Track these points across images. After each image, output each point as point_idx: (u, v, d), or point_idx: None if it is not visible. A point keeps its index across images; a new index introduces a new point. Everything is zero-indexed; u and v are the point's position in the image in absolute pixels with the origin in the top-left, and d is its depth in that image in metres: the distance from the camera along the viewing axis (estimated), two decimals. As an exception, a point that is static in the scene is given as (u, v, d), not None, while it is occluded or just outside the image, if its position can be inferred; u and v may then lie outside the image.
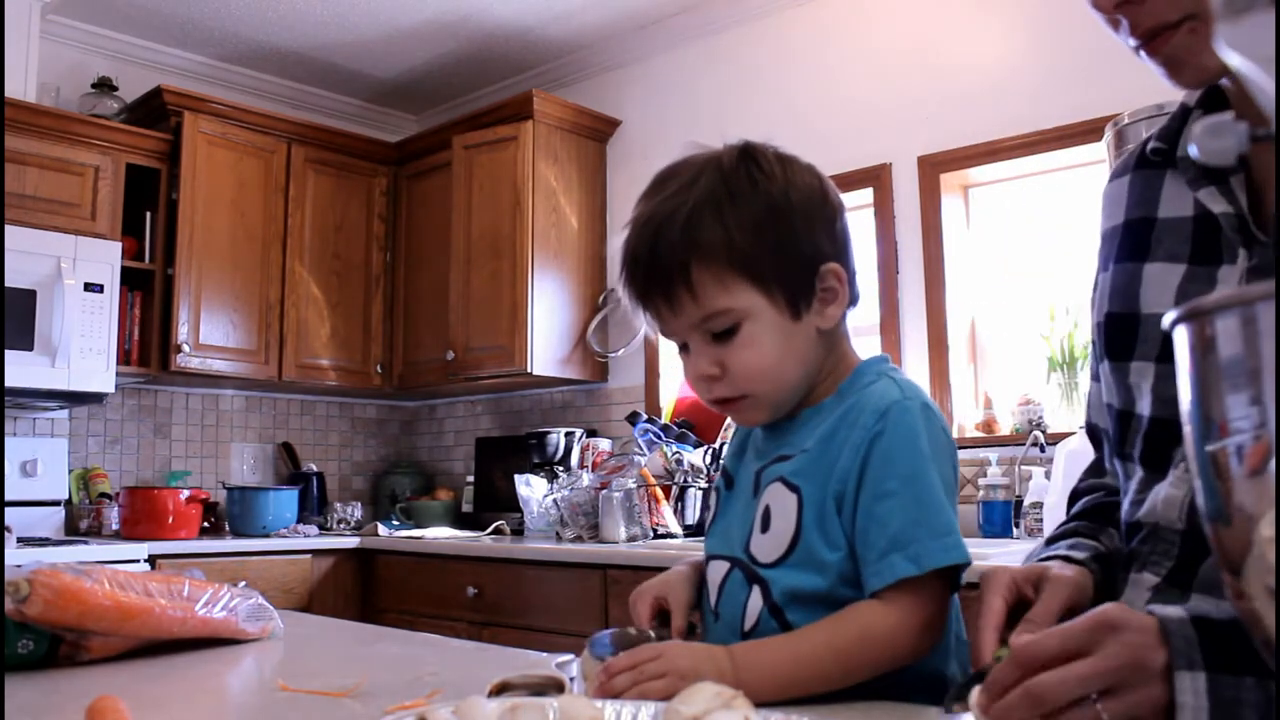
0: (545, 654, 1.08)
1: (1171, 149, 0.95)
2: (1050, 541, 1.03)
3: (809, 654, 0.88)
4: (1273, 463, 0.41)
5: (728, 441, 1.15)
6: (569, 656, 1.00)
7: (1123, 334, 0.96)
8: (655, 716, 0.70)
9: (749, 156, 0.98)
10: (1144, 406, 0.93)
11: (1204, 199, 0.90)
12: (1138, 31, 0.84)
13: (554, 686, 0.85)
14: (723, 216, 0.94)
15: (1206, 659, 0.63)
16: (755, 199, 0.95)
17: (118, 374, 3.48)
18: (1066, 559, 0.95)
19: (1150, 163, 0.99)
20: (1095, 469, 1.13)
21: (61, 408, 3.70)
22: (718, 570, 1.02)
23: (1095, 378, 1.06)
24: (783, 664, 0.87)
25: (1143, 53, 0.86)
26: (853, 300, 1.01)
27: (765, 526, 0.98)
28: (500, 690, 0.87)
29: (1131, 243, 0.98)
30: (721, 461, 1.15)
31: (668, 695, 0.77)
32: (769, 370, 0.96)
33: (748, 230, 0.94)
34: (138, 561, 3.08)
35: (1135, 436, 0.95)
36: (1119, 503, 1.00)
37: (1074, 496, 1.13)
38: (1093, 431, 1.12)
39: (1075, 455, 2.39)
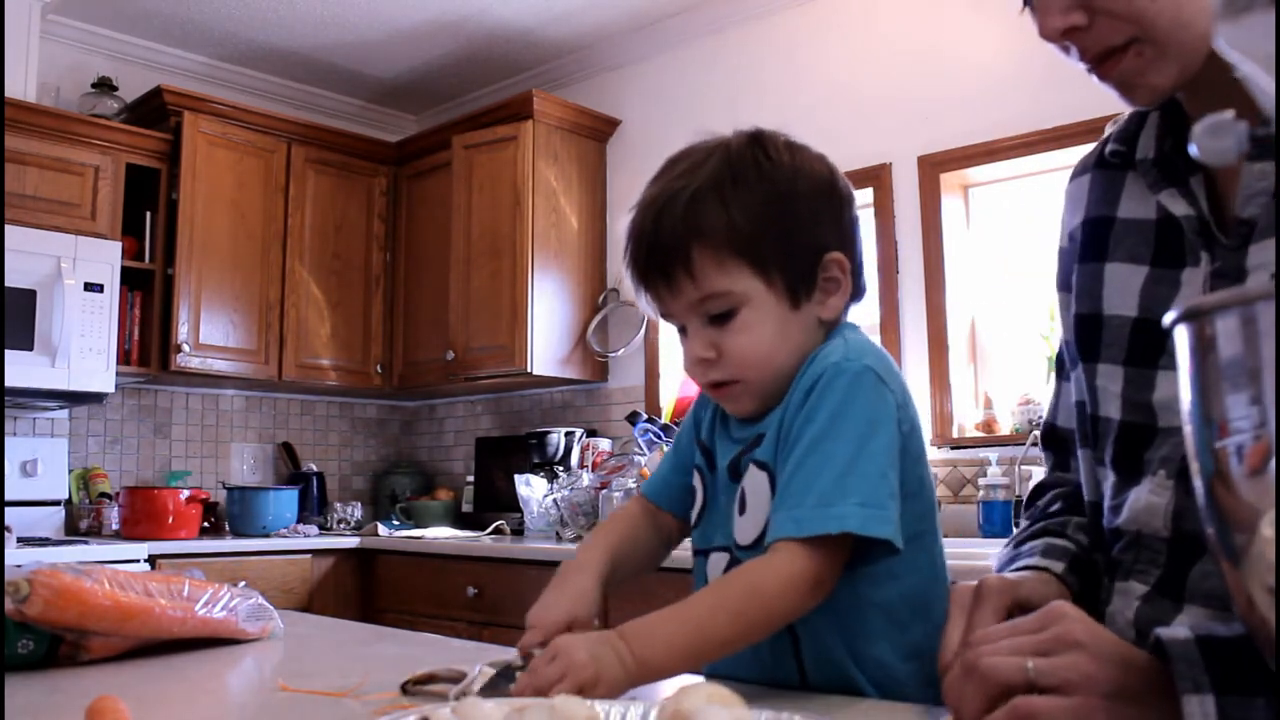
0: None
1: (1130, 150, 0.95)
2: (1021, 542, 1.01)
3: (703, 620, 0.87)
4: (1273, 463, 0.41)
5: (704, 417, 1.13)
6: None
7: (1088, 335, 0.96)
8: (646, 714, 0.70)
9: (757, 142, 0.98)
10: (1113, 410, 0.93)
11: (1165, 201, 0.90)
12: (1086, 56, 0.85)
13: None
14: (725, 200, 0.94)
15: (1214, 681, 0.62)
16: (760, 184, 0.95)
17: (118, 374, 3.48)
18: (1045, 570, 0.93)
19: (1110, 164, 0.99)
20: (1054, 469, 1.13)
21: (61, 408, 3.70)
22: (719, 562, 1.01)
23: (1064, 377, 1.05)
24: (678, 634, 0.86)
25: (1094, 76, 0.87)
26: (858, 293, 1.01)
27: (743, 509, 0.98)
28: (424, 681, 0.89)
29: (1092, 242, 0.98)
30: (700, 439, 1.11)
31: (579, 692, 0.77)
32: (763, 357, 0.96)
33: (750, 215, 0.94)
34: (138, 561, 3.09)
35: (1105, 441, 0.94)
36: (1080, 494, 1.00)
37: (1040, 489, 1.12)
38: (1050, 435, 1.10)
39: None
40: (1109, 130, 1.00)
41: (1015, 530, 1.07)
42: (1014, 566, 0.96)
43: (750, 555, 0.96)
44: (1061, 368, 1.07)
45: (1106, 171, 0.99)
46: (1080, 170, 1.04)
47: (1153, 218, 0.92)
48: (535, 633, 0.93)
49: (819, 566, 0.88)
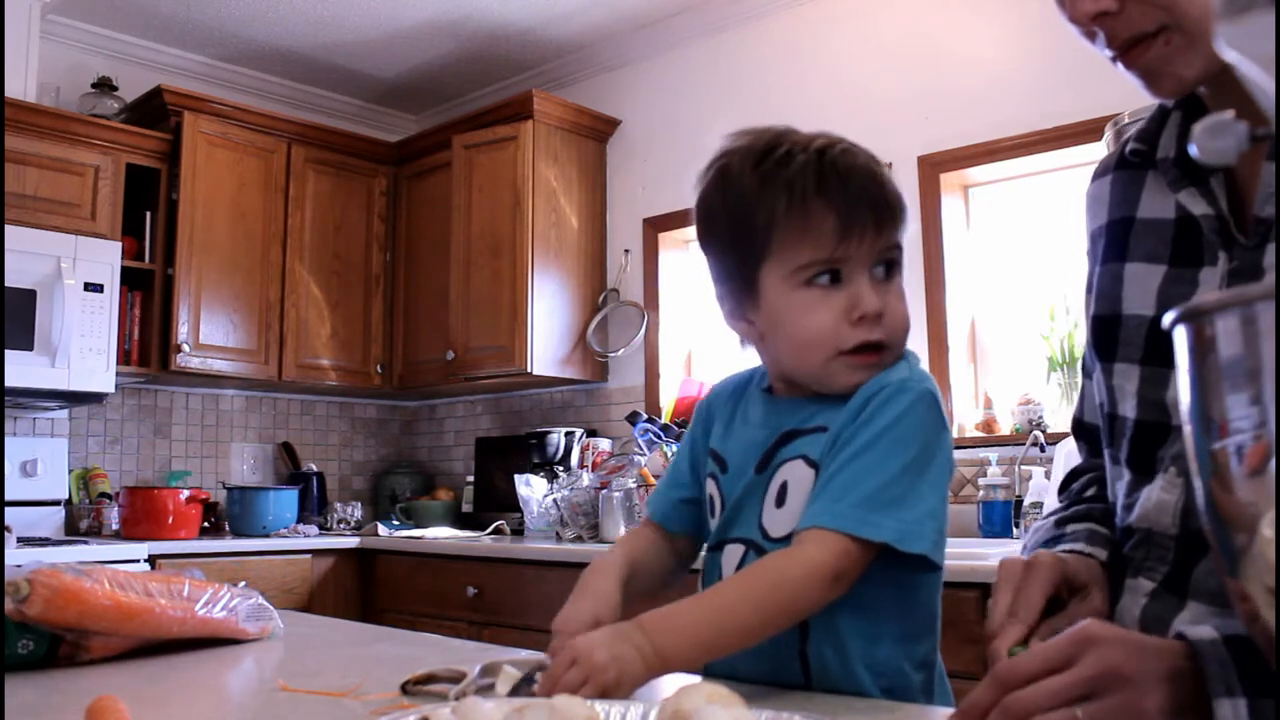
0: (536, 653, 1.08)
1: (1151, 150, 0.95)
2: (1063, 522, 1.02)
3: (725, 609, 0.88)
4: (1273, 463, 0.41)
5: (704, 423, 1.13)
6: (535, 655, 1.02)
7: (1106, 335, 0.97)
8: (646, 715, 0.70)
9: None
10: (1129, 409, 0.93)
11: (1184, 201, 0.90)
12: (1115, 43, 0.84)
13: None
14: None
15: (1245, 683, 0.62)
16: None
17: (118, 374, 3.48)
18: (1091, 557, 0.93)
19: (1130, 163, 0.99)
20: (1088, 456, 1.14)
21: (61, 408, 3.70)
22: (734, 554, 1.01)
23: (1088, 375, 1.06)
24: (700, 625, 0.87)
25: (1120, 64, 0.86)
26: None
27: (780, 502, 0.98)
28: (424, 681, 0.89)
29: (1113, 244, 0.98)
30: (711, 448, 1.11)
31: (602, 694, 0.77)
32: (908, 322, 0.99)
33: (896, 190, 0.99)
34: (138, 561, 3.08)
35: (1121, 440, 0.95)
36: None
37: (1075, 474, 1.13)
38: (1078, 427, 1.11)
39: (1075, 456, 2.39)
40: (1108, 132, 1.00)
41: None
42: (1059, 548, 0.96)
43: (781, 547, 0.96)
44: (1085, 365, 1.07)
45: (1127, 172, 0.99)
46: (1101, 172, 1.04)
47: (1171, 217, 0.92)
48: (563, 638, 0.92)
49: (842, 560, 0.88)
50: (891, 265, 0.97)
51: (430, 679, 0.89)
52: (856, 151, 0.98)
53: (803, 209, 0.93)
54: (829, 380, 0.97)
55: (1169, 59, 0.83)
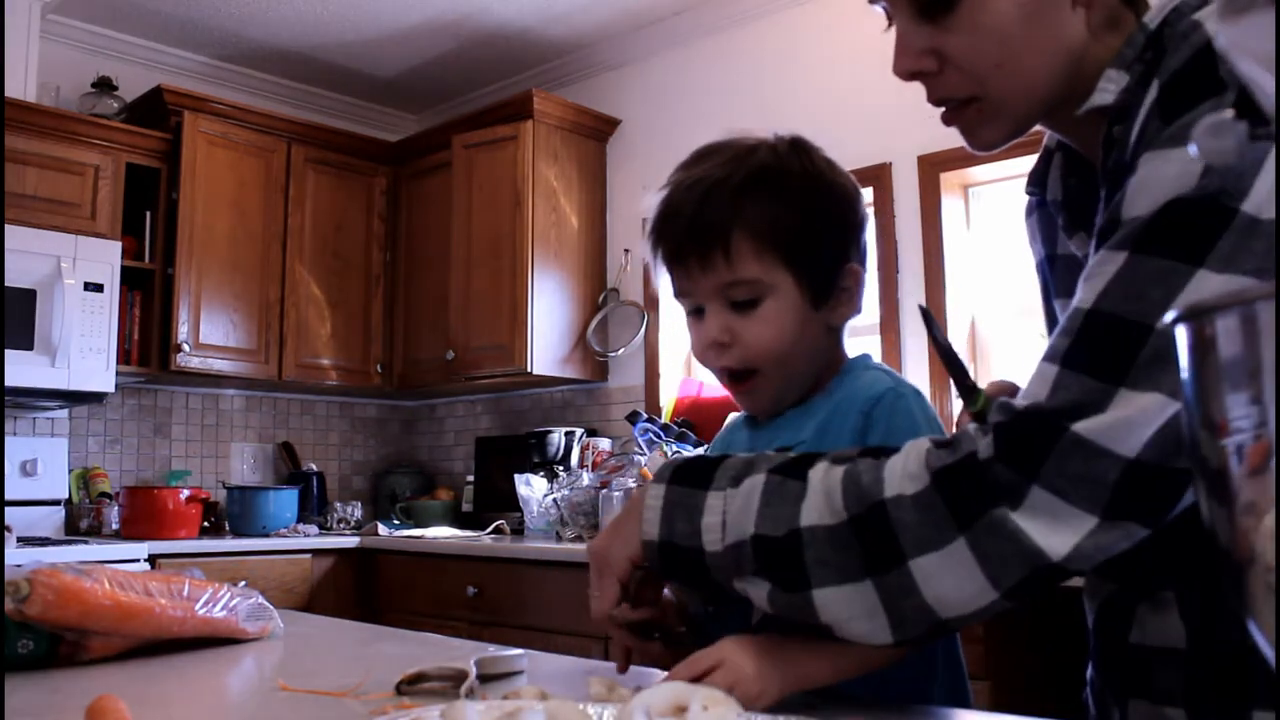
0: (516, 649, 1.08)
1: (1043, 191, 0.98)
2: None
3: None
4: (1273, 463, 0.41)
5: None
6: (519, 651, 1.03)
7: None
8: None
9: (800, 148, 1.01)
10: None
11: (1074, 247, 0.94)
12: (929, 98, 0.89)
13: (465, 677, 0.87)
14: (772, 193, 0.97)
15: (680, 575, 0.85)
16: (805, 187, 0.98)
17: (118, 374, 3.48)
18: None
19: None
20: None
21: (61, 407, 3.70)
22: None
23: None
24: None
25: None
26: (858, 309, 1.04)
27: None
28: (415, 680, 0.89)
29: (1047, 281, 1.02)
30: None
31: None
32: (780, 348, 0.98)
33: (793, 211, 0.97)
34: (138, 561, 3.08)
35: None
36: None
37: None
38: None
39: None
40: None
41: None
42: None
43: None
44: None
45: (1045, 209, 1.02)
46: (1028, 211, 1.07)
47: (1081, 253, 0.96)
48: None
49: None
50: (746, 301, 0.97)
51: (421, 678, 0.89)
52: (704, 179, 0.97)
53: (652, 249, 1.00)
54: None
55: (980, 123, 0.88)
